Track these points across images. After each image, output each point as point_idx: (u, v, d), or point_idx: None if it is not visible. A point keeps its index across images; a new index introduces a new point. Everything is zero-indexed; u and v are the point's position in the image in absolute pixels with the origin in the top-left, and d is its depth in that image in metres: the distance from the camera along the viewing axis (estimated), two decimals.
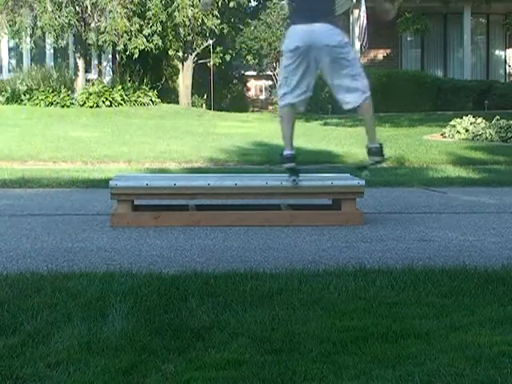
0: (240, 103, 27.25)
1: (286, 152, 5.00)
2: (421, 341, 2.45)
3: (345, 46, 4.84)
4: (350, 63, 4.82)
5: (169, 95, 21.45)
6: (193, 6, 17.27)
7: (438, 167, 8.92)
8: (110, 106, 17.24)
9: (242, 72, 33.27)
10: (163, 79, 22.14)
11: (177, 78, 22.25)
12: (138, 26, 17.02)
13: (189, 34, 18.99)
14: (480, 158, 9.81)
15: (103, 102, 17.17)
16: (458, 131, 12.31)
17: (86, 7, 17.07)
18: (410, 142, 11.33)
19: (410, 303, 2.90)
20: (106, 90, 17.59)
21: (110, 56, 19.69)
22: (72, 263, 3.76)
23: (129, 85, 18.32)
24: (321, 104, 19.04)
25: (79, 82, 18.12)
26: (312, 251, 4.14)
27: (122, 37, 16.82)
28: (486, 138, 11.79)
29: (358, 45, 18.58)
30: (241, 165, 9.37)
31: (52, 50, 19.70)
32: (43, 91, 17.19)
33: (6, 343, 2.42)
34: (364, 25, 17.49)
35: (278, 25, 32.09)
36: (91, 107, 16.88)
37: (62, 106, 16.91)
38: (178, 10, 17.09)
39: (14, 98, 17.27)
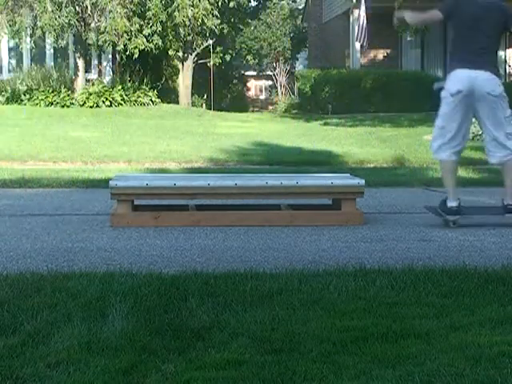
0: (240, 103, 27.23)
1: (451, 204, 4.81)
2: (421, 341, 2.45)
3: (503, 100, 4.78)
4: (505, 120, 4.76)
5: (169, 95, 21.43)
6: (193, 6, 17.26)
7: (437, 167, 8.91)
8: (110, 105, 17.23)
9: (242, 72, 33.24)
10: (163, 79, 22.12)
11: (177, 78, 22.24)
12: (137, 25, 17.01)
13: (189, 34, 18.97)
14: (480, 158, 9.80)
15: (103, 101, 17.16)
16: None
17: (86, 7, 17.05)
18: (409, 142, 11.32)
19: (409, 303, 2.90)
20: (106, 90, 17.58)
21: (110, 56, 19.67)
22: (72, 263, 3.76)
23: (129, 85, 18.30)
24: (321, 104, 19.04)
25: (79, 82, 18.10)
26: (312, 251, 4.14)
27: (121, 37, 16.80)
28: None
29: (357, 45, 18.58)
30: (241, 165, 9.36)
31: (52, 50, 19.68)
32: (43, 91, 17.17)
33: (5, 343, 2.43)
34: (364, 25, 17.48)
35: (278, 25, 32.08)
36: (91, 107, 16.86)
37: (62, 106, 16.89)
38: (178, 10, 17.06)
39: (14, 97, 17.25)
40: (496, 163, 4.93)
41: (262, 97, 37.31)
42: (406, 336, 2.49)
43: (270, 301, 2.92)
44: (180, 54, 20.55)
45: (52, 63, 19.41)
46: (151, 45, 17.57)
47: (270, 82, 32.70)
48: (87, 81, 18.70)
